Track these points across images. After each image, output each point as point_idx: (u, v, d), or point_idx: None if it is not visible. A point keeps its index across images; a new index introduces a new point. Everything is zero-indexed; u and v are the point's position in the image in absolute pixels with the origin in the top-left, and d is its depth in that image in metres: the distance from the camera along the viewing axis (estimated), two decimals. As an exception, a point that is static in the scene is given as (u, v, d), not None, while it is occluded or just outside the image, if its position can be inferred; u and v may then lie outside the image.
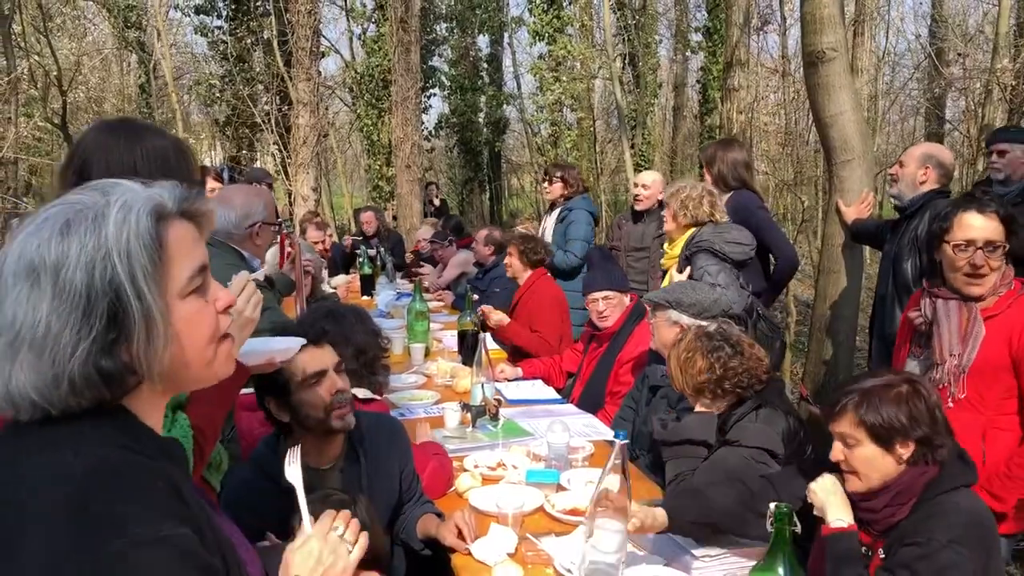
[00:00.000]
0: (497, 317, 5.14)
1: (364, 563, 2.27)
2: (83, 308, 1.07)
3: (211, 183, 5.46)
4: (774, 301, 6.03)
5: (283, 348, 2.08)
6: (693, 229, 4.29)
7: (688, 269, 4.18)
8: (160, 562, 1.01)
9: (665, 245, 4.58)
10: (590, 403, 4.08)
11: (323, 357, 2.42)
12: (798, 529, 1.84)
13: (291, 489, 1.83)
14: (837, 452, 2.15)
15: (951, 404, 2.85)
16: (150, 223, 1.12)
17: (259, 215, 3.23)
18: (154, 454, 1.13)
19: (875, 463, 2.10)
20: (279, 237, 4.24)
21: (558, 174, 6.42)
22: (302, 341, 2.17)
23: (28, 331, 1.06)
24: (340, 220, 18.54)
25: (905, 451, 2.09)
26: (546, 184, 6.48)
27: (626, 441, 2.11)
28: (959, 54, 15.77)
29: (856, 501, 2.17)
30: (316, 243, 7.30)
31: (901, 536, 2.06)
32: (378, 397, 3.02)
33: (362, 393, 2.90)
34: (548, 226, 6.43)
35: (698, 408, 2.92)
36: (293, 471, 1.83)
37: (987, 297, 2.87)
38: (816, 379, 5.11)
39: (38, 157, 13.98)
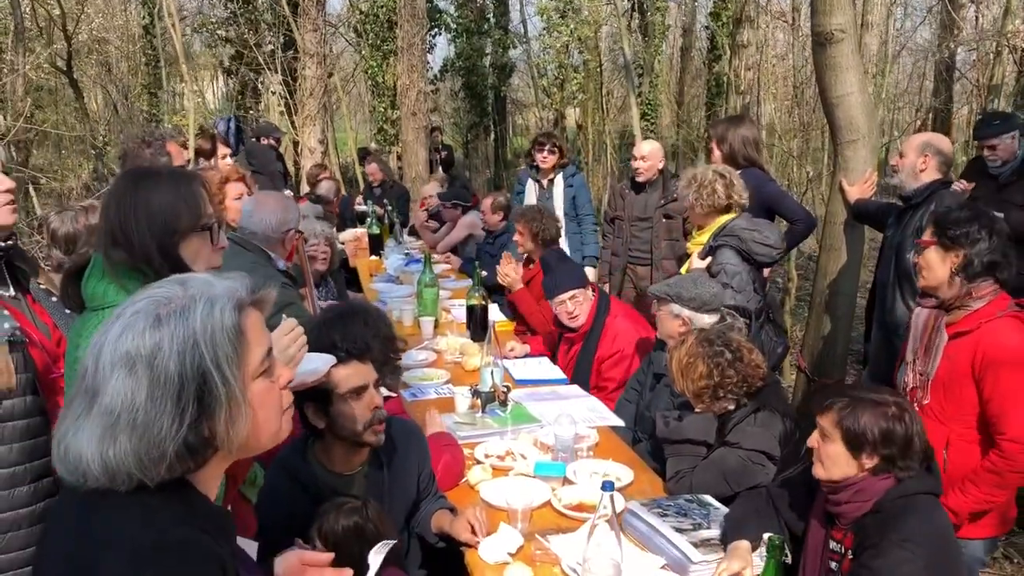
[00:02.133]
0: (511, 279, 5.14)
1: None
2: (176, 393, 1.21)
3: (221, 149, 5.52)
4: (783, 257, 6.15)
5: (312, 370, 2.21)
6: (725, 216, 4.28)
7: (708, 259, 4.21)
8: None
9: (692, 231, 4.64)
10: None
11: (366, 373, 2.50)
12: (788, 560, 2.00)
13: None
14: (813, 439, 2.39)
15: (917, 409, 3.00)
16: (234, 316, 1.28)
17: (293, 222, 3.43)
18: (211, 528, 1.27)
19: (839, 461, 2.31)
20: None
21: (556, 143, 6.55)
22: (331, 360, 2.30)
23: (127, 415, 1.20)
24: (344, 158, 18.53)
25: (869, 462, 2.28)
26: (546, 154, 6.54)
27: (613, 492, 2.23)
28: (972, 0, 15.57)
29: (826, 493, 2.40)
30: (328, 202, 7.49)
31: (865, 540, 2.25)
32: (392, 394, 3.15)
33: (379, 391, 3.03)
34: (556, 195, 6.51)
35: (697, 409, 3.06)
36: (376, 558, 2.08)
37: (954, 310, 2.96)
38: (815, 352, 5.24)
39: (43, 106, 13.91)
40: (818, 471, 2.37)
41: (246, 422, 1.28)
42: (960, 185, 4.67)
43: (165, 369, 1.21)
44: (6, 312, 2.36)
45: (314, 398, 2.44)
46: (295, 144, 12.27)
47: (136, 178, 2.12)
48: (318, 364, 2.26)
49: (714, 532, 2.60)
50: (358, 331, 2.69)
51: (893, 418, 2.26)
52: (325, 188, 7.64)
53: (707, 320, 3.59)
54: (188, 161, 5.51)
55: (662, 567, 2.52)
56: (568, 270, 4.63)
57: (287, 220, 3.40)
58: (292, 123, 12.23)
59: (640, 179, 5.94)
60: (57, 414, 2.41)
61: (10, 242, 2.51)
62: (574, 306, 4.38)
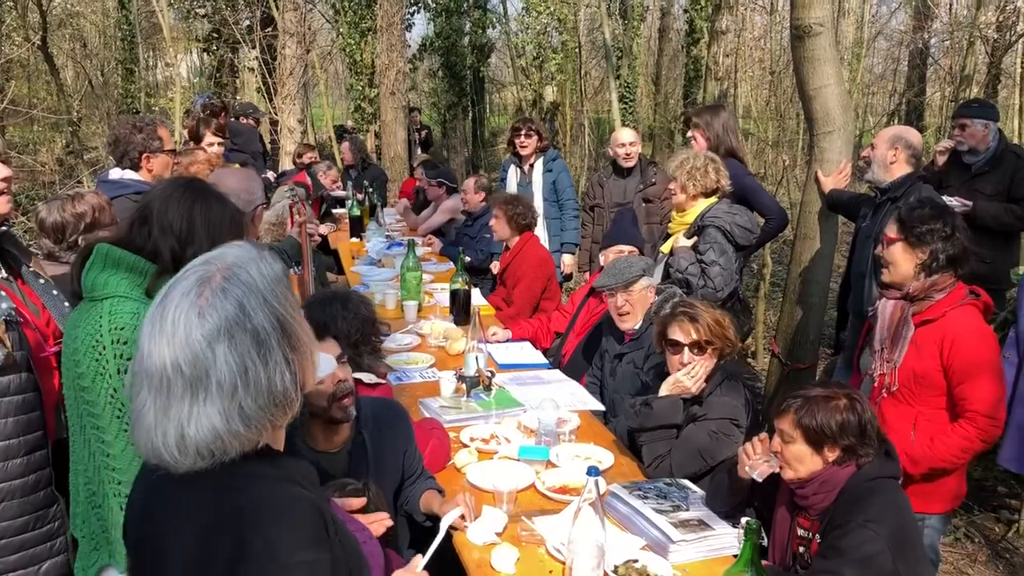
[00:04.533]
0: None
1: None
2: (277, 342, 1.30)
3: (209, 137, 5.49)
4: (756, 251, 6.32)
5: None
6: (708, 201, 4.50)
7: (695, 238, 4.44)
8: None
9: (674, 212, 4.79)
10: (583, 361, 4.33)
11: (324, 348, 2.55)
12: (765, 542, 2.12)
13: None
14: (776, 443, 2.53)
15: (885, 395, 3.16)
16: (278, 264, 1.38)
17: (259, 198, 3.38)
18: (302, 481, 1.37)
19: (804, 460, 2.46)
20: (288, 204, 4.42)
21: (533, 127, 6.62)
22: (332, 362, 2.38)
23: (246, 379, 1.26)
24: (320, 137, 18.44)
25: (832, 454, 2.44)
26: (523, 138, 6.62)
27: (599, 477, 2.33)
28: (946, -12, 15.75)
29: (792, 488, 2.54)
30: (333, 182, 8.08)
31: (831, 523, 2.41)
32: (383, 381, 3.23)
33: (367, 378, 3.11)
34: (536, 179, 6.59)
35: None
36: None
37: (919, 302, 3.10)
38: (788, 337, 5.38)
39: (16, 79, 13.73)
40: (787, 474, 2.51)
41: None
42: (957, 201, 4.81)
43: (258, 325, 1.28)
44: (3, 293, 2.45)
45: None
46: (274, 123, 12.23)
47: (204, 191, 2.24)
48: (322, 368, 2.35)
49: (692, 513, 2.72)
50: (316, 312, 2.80)
51: (845, 409, 2.42)
52: (325, 172, 7.89)
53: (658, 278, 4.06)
54: (176, 144, 5.51)
55: (642, 547, 2.63)
56: (624, 228, 4.78)
57: (254, 197, 3.28)
58: (270, 102, 12.18)
59: (628, 165, 6.06)
60: (49, 390, 2.52)
61: (3, 228, 2.59)
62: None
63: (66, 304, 2.69)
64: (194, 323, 1.26)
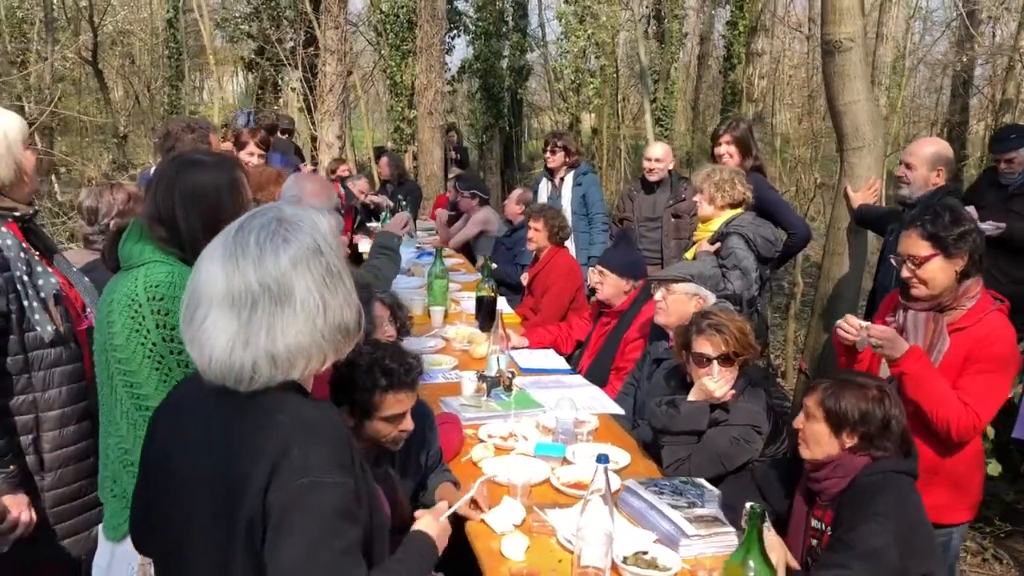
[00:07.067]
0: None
1: (393, 530, 2.58)
2: (341, 278, 1.47)
3: (251, 147, 5.53)
4: (781, 266, 6.29)
5: None
6: (734, 211, 4.55)
7: (718, 244, 4.47)
8: (328, 499, 1.38)
9: (700, 222, 4.82)
10: (597, 378, 4.32)
11: (408, 402, 2.53)
12: (770, 529, 2.12)
13: None
14: (799, 420, 2.53)
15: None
16: (332, 217, 1.55)
17: (336, 207, 3.53)
18: (337, 415, 1.52)
19: (821, 440, 2.46)
20: None
21: (559, 143, 6.71)
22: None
23: (322, 304, 1.43)
24: (360, 157, 18.68)
25: (849, 440, 2.44)
26: (548, 154, 6.70)
27: (607, 464, 2.35)
28: (990, 17, 15.62)
29: (808, 472, 2.55)
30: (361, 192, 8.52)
31: (840, 516, 2.40)
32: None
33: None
34: (565, 193, 6.64)
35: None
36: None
37: (950, 311, 2.97)
38: (815, 354, 5.33)
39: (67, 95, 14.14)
40: (803, 452, 2.52)
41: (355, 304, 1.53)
42: (990, 225, 4.70)
43: (329, 260, 1.45)
44: (48, 269, 2.57)
45: (353, 410, 2.48)
46: (313, 139, 12.45)
47: (183, 164, 2.29)
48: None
49: (707, 510, 2.71)
50: (411, 359, 2.64)
51: (873, 400, 2.41)
52: (354, 181, 8.09)
53: (713, 298, 3.89)
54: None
55: (654, 541, 2.63)
56: (624, 254, 4.79)
57: (332, 206, 3.39)
58: (311, 118, 12.41)
59: (654, 179, 6.11)
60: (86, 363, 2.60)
61: (32, 210, 2.69)
62: (600, 279, 4.62)
63: (86, 279, 2.79)
64: (280, 247, 1.42)
